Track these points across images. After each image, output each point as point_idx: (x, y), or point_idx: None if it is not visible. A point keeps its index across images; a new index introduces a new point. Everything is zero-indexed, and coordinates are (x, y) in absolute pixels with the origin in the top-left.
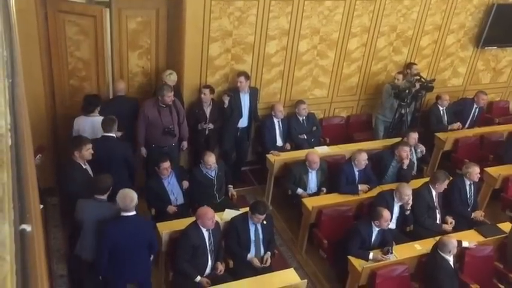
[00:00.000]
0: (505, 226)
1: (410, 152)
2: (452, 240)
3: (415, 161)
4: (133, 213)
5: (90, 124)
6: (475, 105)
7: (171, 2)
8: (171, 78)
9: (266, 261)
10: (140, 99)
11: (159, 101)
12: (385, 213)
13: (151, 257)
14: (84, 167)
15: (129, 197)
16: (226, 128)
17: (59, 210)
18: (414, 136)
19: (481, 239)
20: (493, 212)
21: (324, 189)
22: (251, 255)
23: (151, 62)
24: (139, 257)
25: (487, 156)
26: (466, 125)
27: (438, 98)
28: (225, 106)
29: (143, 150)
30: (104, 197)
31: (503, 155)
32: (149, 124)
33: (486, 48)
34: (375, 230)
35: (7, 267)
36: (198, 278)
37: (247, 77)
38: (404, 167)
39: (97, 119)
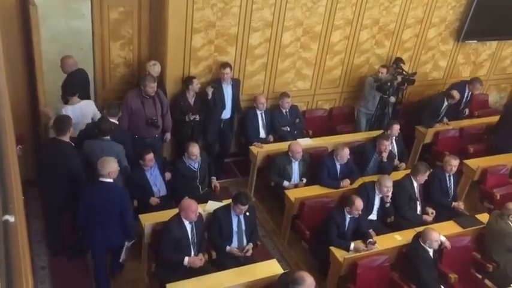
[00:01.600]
0: (483, 217)
1: (390, 144)
2: (433, 232)
3: (396, 153)
4: (110, 180)
5: (79, 111)
6: (467, 90)
7: None
8: (155, 69)
9: (247, 251)
10: (123, 90)
11: (142, 91)
12: (357, 201)
13: (131, 241)
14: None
15: (106, 164)
16: (209, 120)
17: (40, 202)
18: (397, 127)
19: (460, 229)
20: (471, 204)
21: (304, 180)
22: (232, 246)
23: (134, 52)
24: (110, 223)
25: (466, 148)
26: (461, 106)
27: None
28: (209, 98)
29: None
30: (108, 137)
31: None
32: (132, 115)
33: (466, 42)
34: (347, 218)
35: None
36: (187, 259)
37: (231, 69)
38: (384, 159)
39: (83, 103)
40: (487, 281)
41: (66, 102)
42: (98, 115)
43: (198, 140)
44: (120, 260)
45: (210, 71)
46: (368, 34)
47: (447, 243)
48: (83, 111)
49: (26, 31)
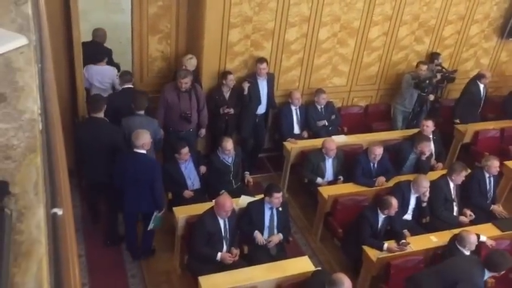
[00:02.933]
0: None
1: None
2: (471, 235)
3: (433, 153)
4: (143, 151)
5: (101, 72)
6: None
7: None
8: (191, 63)
9: (271, 241)
10: (160, 84)
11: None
12: (394, 202)
13: (160, 211)
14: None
15: (140, 135)
16: (244, 115)
17: (78, 190)
18: (430, 124)
19: (498, 232)
20: (511, 207)
21: (341, 178)
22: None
23: (171, 46)
24: (141, 191)
25: (507, 149)
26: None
27: (482, 76)
28: (245, 93)
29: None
30: (142, 112)
31: None
32: (168, 108)
33: (511, 39)
34: (381, 217)
35: (43, 250)
36: (219, 255)
37: (268, 64)
38: (423, 159)
39: (106, 67)
40: None
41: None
42: (117, 82)
43: (232, 135)
44: (148, 229)
45: (246, 66)
46: (407, 30)
47: (489, 242)
48: (104, 73)
49: (67, 24)
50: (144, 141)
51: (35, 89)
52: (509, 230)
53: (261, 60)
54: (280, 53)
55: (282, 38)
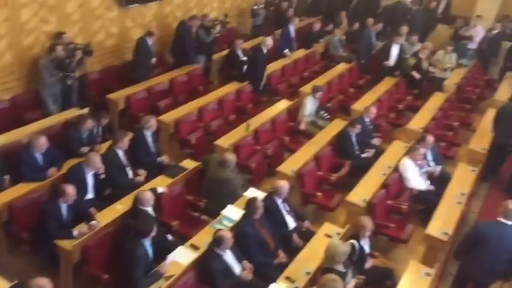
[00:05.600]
0: (186, 163)
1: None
2: (146, 193)
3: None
4: None
5: None
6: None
7: None
8: None
9: None
10: None
11: None
12: (69, 188)
13: None
14: None
15: None
16: None
17: None
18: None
19: (170, 180)
20: (174, 153)
21: (7, 177)
22: None
23: None
24: None
25: (157, 106)
26: None
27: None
28: None
29: None
30: None
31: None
32: None
33: (130, 6)
34: (63, 206)
35: None
36: None
37: None
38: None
39: None
40: (203, 216)
41: None
42: None
43: None
44: None
45: None
46: (30, 12)
47: (161, 190)
48: None
49: None
50: None
51: None
52: (178, 174)
53: None
54: None
55: None
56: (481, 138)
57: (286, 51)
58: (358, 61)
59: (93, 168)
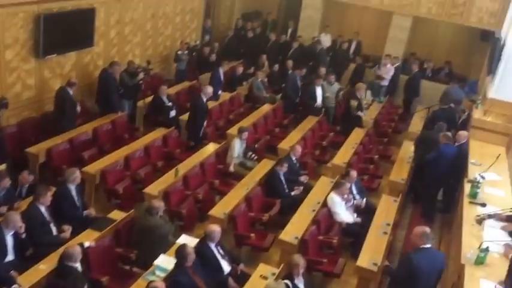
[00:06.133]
0: (114, 214)
1: None
2: (75, 248)
3: None
4: None
5: None
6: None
7: None
8: None
9: None
10: None
11: None
12: None
13: None
14: None
15: None
16: None
17: None
18: None
19: (98, 234)
20: (102, 205)
21: None
22: None
23: None
24: None
25: (81, 156)
26: None
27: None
28: None
29: None
30: None
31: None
32: None
33: (47, 57)
34: None
35: None
36: None
37: None
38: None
39: None
40: (135, 269)
41: None
42: None
43: None
44: None
45: None
46: None
47: (88, 244)
48: None
49: None
50: None
51: None
52: (105, 227)
53: None
54: None
55: None
56: (400, 169)
57: (220, 92)
58: (284, 101)
59: (13, 228)
